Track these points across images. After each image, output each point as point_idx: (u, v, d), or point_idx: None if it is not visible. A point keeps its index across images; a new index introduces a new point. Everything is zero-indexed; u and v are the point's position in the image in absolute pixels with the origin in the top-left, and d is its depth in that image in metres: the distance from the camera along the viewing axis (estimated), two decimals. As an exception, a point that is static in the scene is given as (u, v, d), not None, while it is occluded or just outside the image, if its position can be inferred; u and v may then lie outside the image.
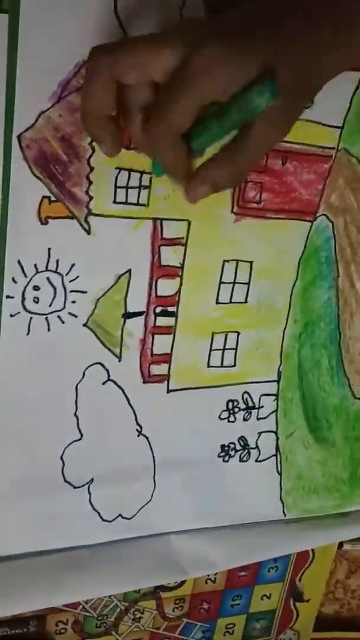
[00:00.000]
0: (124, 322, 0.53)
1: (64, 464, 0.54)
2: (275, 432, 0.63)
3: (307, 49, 0.37)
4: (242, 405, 0.61)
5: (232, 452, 0.61)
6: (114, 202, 0.49)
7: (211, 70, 0.36)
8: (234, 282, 0.57)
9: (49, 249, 0.48)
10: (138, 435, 0.57)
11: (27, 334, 0.49)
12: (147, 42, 0.37)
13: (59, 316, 0.50)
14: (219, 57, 0.36)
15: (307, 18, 0.38)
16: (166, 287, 0.54)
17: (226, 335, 0.58)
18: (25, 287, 0.48)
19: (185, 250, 0.53)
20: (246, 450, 0.62)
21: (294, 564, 0.71)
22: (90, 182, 0.48)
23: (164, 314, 0.55)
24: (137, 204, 0.50)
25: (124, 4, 0.44)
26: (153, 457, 0.58)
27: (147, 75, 0.38)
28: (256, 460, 0.63)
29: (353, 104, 0.54)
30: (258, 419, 0.62)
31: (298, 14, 0.38)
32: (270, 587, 0.71)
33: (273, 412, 0.62)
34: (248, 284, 0.57)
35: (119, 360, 0.54)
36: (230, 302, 0.57)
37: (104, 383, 0.54)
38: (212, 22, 0.39)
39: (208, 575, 0.67)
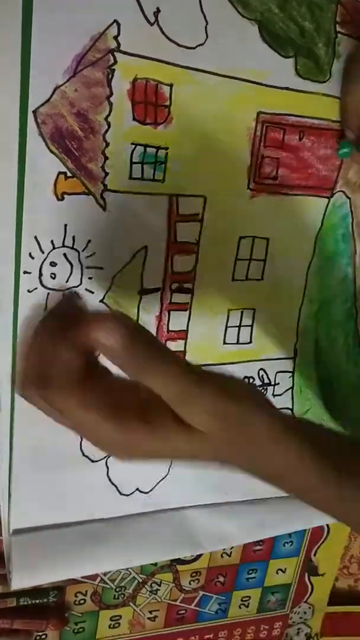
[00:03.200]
0: (140, 298, 0.53)
1: (82, 438, 0.54)
2: (291, 409, 0.63)
3: None
4: (258, 382, 0.61)
5: (247, 428, 0.62)
6: (130, 177, 0.49)
7: None
8: (250, 259, 0.57)
9: (65, 225, 0.48)
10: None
11: (45, 309, 0.49)
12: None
13: (76, 292, 0.50)
14: None
15: None
16: (182, 263, 0.54)
17: (242, 312, 0.58)
18: (42, 263, 0.48)
19: (201, 227, 0.53)
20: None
21: (309, 539, 0.71)
22: (106, 158, 0.48)
23: (180, 290, 0.55)
24: (153, 179, 0.50)
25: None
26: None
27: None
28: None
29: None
30: (274, 395, 0.62)
31: None
32: (285, 562, 0.71)
33: (289, 389, 0.63)
34: (264, 260, 0.57)
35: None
36: (247, 279, 0.57)
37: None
38: None
39: (223, 550, 0.68)
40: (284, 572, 0.72)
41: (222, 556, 0.69)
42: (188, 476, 0.60)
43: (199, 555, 0.67)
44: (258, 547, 0.69)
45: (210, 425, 0.39)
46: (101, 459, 0.57)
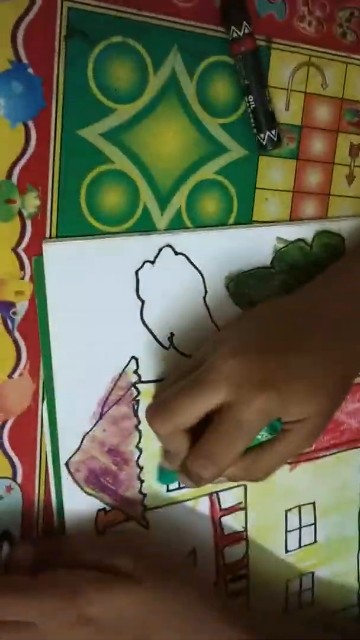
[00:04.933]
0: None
1: None
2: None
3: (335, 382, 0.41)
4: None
5: None
6: (168, 490, 0.48)
7: (261, 417, 0.38)
8: (300, 527, 0.55)
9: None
10: None
11: None
12: (189, 394, 0.39)
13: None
14: (266, 406, 0.38)
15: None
16: (233, 553, 0.52)
17: (300, 578, 0.56)
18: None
19: (246, 514, 0.52)
20: None
21: None
22: (142, 481, 0.47)
23: (236, 579, 0.53)
24: (191, 484, 0.49)
25: (143, 287, 0.44)
26: None
27: (188, 423, 0.39)
28: None
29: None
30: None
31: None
32: None
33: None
34: (314, 524, 0.55)
35: None
36: (300, 547, 0.55)
37: None
38: (239, 361, 0.40)
39: None
40: None
41: None
42: None
43: None
44: None
45: None
46: None
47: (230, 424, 0.38)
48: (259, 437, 0.41)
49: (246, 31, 0.42)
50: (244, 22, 0.41)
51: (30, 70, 0.38)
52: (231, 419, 0.38)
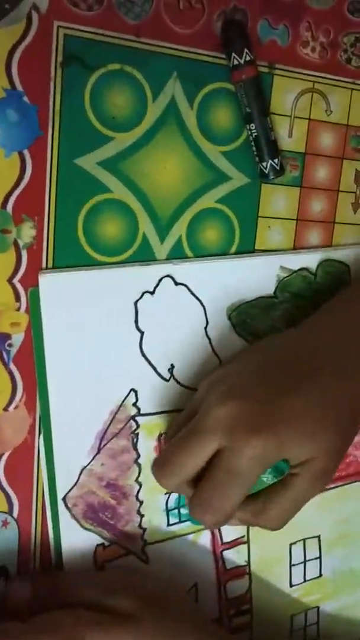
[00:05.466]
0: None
1: None
2: None
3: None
4: None
5: None
6: (168, 525, 0.47)
7: (256, 463, 0.37)
8: (305, 561, 0.53)
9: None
10: None
11: None
12: (186, 446, 0.38)
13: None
14: (260, 452, 0.37)
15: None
16: (236, 588, 0.51)
17: (306, 613, 0.54)
18: None
19: (248, 548, 0.50)
20: None
21: None
22: (142, 515, 0.46)
23: (239, 614, 0.51)
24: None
25: (142, 318, 0.44)
26: None
27: (191, 475, 0.39)
28: None
29: None
30: None
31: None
32: None
33: None
34: (319, 557, 0.54)
35: None
36: (305, 580, 0.54)
37: None
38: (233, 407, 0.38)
39: None
40: None
41: None
42: None
43: None
44: None
45: None
46: None
47: (223, 471, 0.37)
48: (264, 479, 0.39)
49: (247, 58, 0.41)
50: (245, 49, 0.40)
51: (25, 98, 0.37)
52: (224, 466, 0.37)
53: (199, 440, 0.37)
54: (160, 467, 0.40)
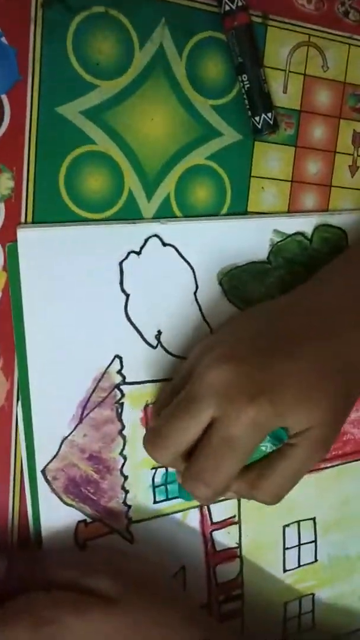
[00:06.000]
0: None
1: None
2: None
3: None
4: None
5: None
6: (154, 502, 0.44)
7: (253, 431, 0.35)
8: (299, 545, 0.51)
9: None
10: None
11: None
12: (179, 416, 0.36)
13: None
14: (258, 419, 0.35)
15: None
16: (226, 572, 0.48)
17: (300, 600, 0.52)
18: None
19: (239, 528, 0.48)
20: None
21: None
22: (127, 491, 0.43)
23: (229, 599, 0.49)
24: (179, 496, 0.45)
25: (128, 280, 0.41)
26: None
27: (185, 447, 0.37)
28: None
29: None
30: None
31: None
32: None
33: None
34: (315, 541, 0.51)
35: None
36: (299, 566, 0.51)
37: None
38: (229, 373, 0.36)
39: None
40: None
41: None
42: None
43: None
44: None
45: None
46: None
47: (219, 440, 0.35)
48: (263, 448, 0.37)
49: (239, 4, 0.39)
50: (237, -6, 0.38)
51: (3, 39, 0.35)
52: (219, 435, 0.35)
53: (192, 409, 0.35)
54: (152, 440, 0.37)
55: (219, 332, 0.41)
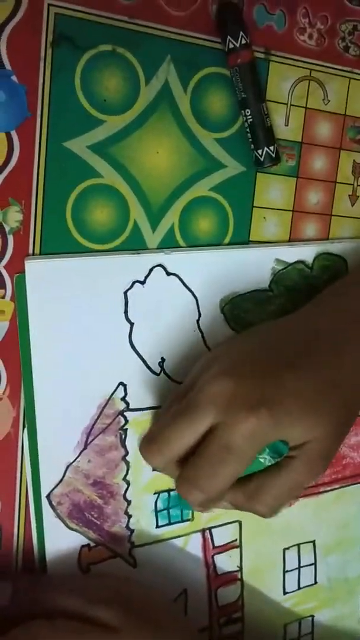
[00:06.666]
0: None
1: None
2: None
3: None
4: None
5: None
6: (157, 527, 0.45)
7: (252, 441, 0.35)
8: (299, 567, 0.51)
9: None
10: None
11: None
12: (178, 422, 0.37)
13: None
14: (257, 429, 0.35)
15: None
16: (227, 595, 0.49)
17: (300, 622, 0.52)
18: None
19: (240, 552, 0.48)
20: None
21: None
22: (130, 516, 0.44)
23: (230, 622, 0.49)
24: (182, 520, 0.46)
25: (132, 309, 0.42)
26: None
27: (180, 453, 0.37)
28: None
29: None
30: None
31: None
32: None
33: None
34: (314, 564, 0.52)
35: None
36: (299, 588, 0.52)
37: None
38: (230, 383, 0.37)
39: None
40: None
41: None
42: None
43: None
44: None
45: None
46: None
47: (216, 447, 0.35)
48: (262, 460, 0.37)
49: (243, 42, 0.40)
50: (241, 33, 0.39)
51: (14, 78, 0.36)
52: (217, 443, 0.35)
53: (191, 416, 0.36)
54: (147, 443, 0.38)
55: (221, 347, 0.42)
